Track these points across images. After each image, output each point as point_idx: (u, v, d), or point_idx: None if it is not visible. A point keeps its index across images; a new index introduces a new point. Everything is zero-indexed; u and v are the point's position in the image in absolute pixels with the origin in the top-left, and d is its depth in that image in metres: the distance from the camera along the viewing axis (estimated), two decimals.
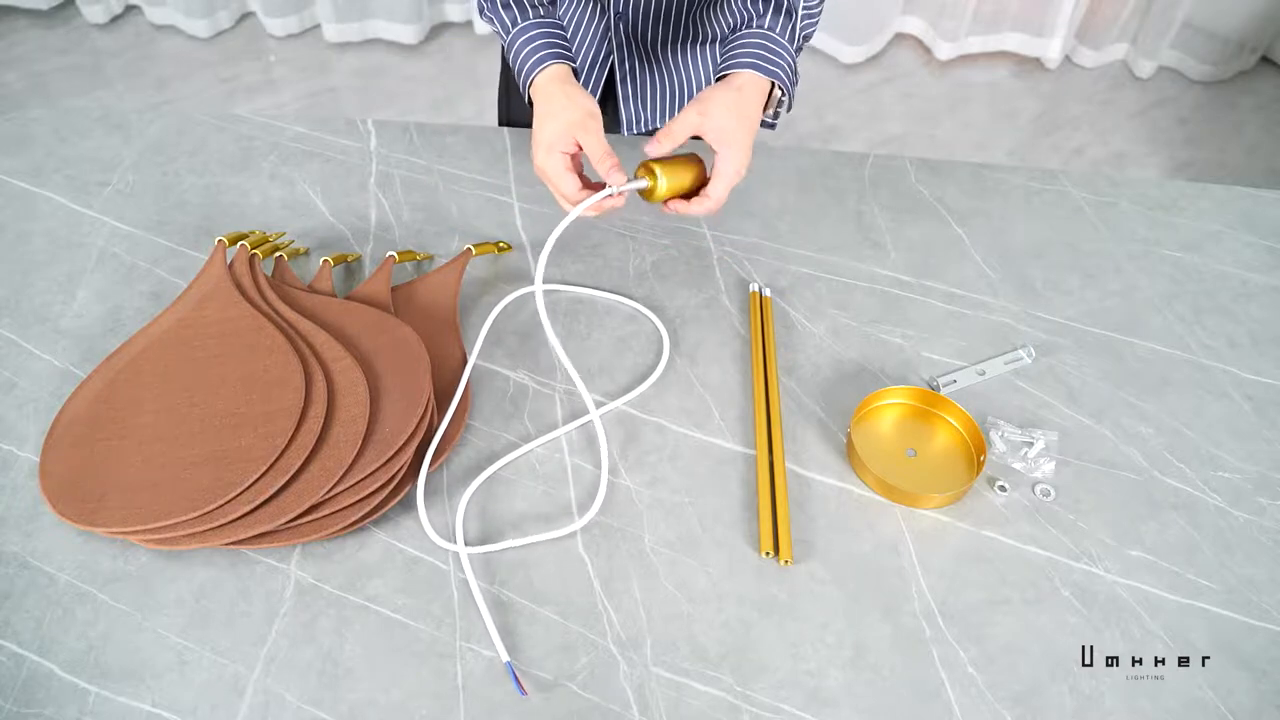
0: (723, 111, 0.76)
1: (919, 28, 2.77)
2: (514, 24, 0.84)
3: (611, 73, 1.02)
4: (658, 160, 0.77)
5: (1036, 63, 2.73)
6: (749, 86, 0.79)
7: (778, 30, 0.82)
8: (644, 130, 1.06)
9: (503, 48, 0.89)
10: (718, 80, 0.81)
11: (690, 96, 1.06)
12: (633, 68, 1.00)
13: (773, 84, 0.81)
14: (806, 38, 0.88)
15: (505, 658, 0.61)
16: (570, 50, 0.85)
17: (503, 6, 0.85)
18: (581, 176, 0.78)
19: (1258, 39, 2.61)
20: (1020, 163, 2.40)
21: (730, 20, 1.00)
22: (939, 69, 2.72)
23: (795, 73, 0.84)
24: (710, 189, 0.77)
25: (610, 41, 0.98)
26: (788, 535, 0.68)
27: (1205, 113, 2.58)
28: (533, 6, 0.85)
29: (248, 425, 0.70)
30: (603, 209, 0.76)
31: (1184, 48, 2.66)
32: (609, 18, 0.95)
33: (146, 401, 0.72)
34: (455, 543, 0.67)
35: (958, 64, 2.73)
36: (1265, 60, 2.73)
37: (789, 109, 0.85)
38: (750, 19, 0.84)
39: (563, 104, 0.77)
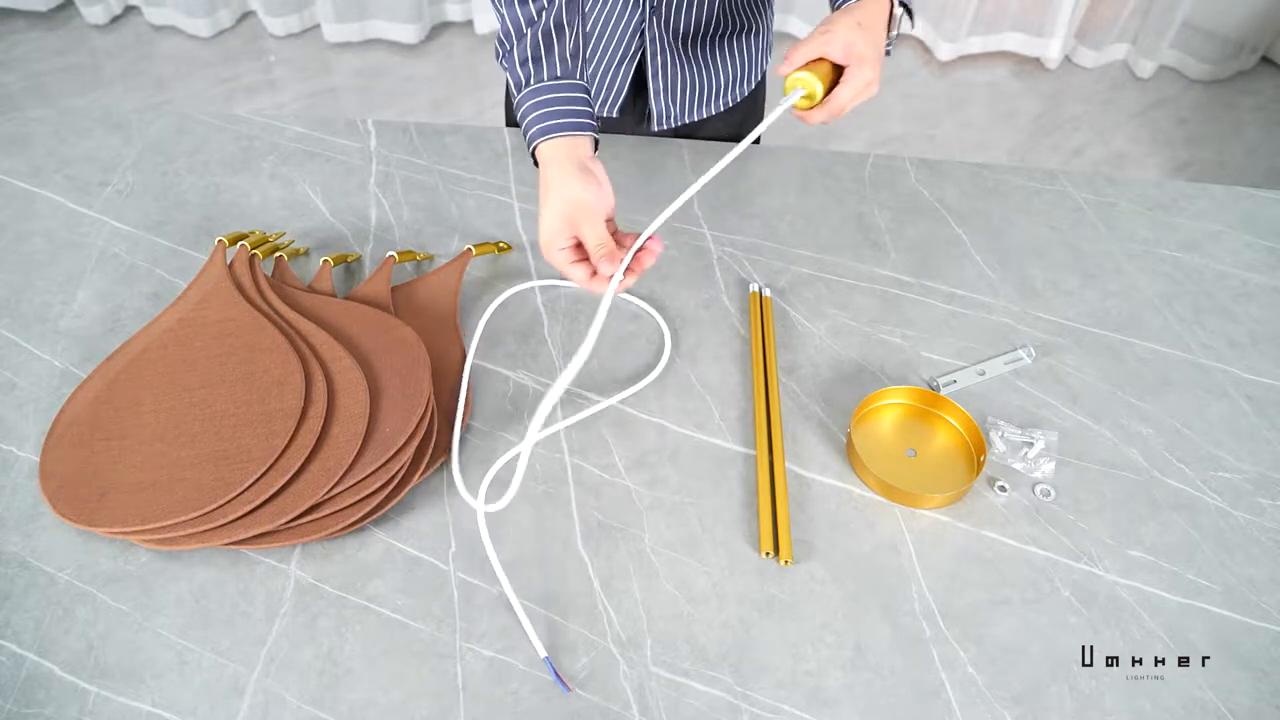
0: (847, 30, 0.73)
1: (920, 29, 2.78)
2: (526, 81, 0.76)
3: (640, 66, 1.01)
4: (801, 68, 0.73)
5: (1036, 63, 2.73)
6: (870, 4, 0.77)
7: None
8: (674, 125, 1.05)
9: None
10: (835, 9, 0.79)
11: (723, 91, 1.06)
12: (665, 61, 1.00)
13: (892, 3, 0.79)
14: None
15: (543, 653, 0.61)
16: (589, 115, 0.76)
17: (520, 62, 0.76)
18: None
19: (1258, 39, 2.61)
20: (1020, 163, 2.40)
21: (765, 16, 0.99)
22: (939, 69, 2.72)
23: None
24: (835, 94, 0.73)
25: (643, 35, 0.97)
26: (788, 535, 0.68)
27: (1205, 113, 2.58)
28: (561, 60, 0.76)
29: (248, 425, 0.70)
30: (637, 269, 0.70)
31: (1184, 48, 2.66)
32: (643, 9, 0.95)
33: (146, 401, 0.72)
34: (479, 502, 0.67)
35: (958, 64, 2.74)
36: (1265, 60, 2.73)
37: (912, 24, 0.83)
38: None
39: (555, 193, 0.70)
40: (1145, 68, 2.66)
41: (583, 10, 0.86)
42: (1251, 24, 2.57)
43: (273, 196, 0.97)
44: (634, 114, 1.08)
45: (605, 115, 1.06)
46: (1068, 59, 2.75)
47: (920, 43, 2.80)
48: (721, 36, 1.00)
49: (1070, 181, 1.04)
